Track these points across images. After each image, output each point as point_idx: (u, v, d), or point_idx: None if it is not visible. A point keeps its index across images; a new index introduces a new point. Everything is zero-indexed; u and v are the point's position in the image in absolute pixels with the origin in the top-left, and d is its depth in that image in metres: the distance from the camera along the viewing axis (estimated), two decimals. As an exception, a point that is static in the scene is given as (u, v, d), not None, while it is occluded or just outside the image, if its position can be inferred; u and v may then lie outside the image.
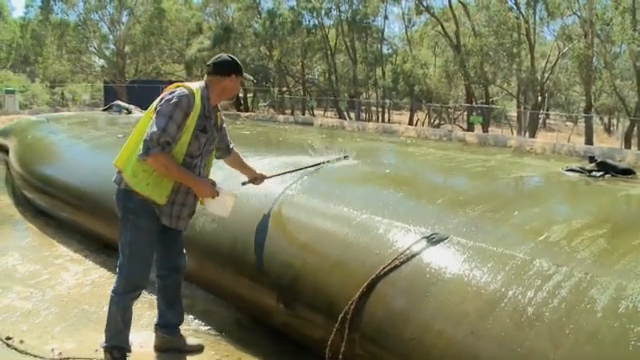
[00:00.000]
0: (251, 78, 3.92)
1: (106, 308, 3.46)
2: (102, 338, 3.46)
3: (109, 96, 31.12)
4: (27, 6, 45.60)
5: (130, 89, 33.52)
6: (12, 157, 9.87)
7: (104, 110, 15.92)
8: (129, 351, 3.47)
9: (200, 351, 3.71)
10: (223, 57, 3.47)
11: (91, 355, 3.56)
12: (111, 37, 37.59)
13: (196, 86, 3.37)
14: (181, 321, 3.75)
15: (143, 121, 3.38)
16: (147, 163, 3.22)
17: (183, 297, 3.83)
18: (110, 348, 3.40)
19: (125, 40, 37.44)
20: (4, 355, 3.62)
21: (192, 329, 4.04)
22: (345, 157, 5.04)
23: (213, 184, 3.43)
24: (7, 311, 4.28)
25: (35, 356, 3.57)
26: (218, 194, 3.39)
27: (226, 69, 3.40)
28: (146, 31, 35.94)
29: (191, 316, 4.18)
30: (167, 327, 3.67)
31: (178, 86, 3.36)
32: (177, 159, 3.27)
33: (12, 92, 31.19)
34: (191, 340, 3.76)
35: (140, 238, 3.36)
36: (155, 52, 38.24)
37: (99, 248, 5.78)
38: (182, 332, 3.76)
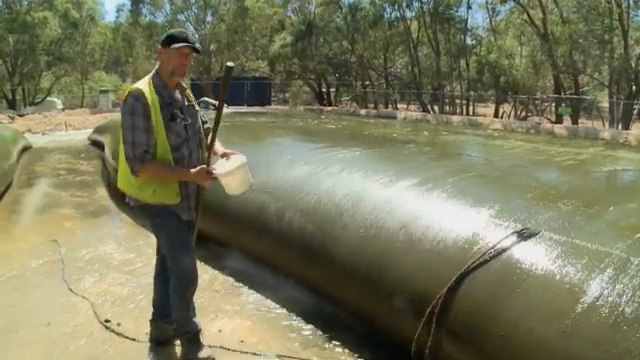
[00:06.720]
0: (190, 44, 3.24)
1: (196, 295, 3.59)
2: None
3: (196, 93, 31.82)
4: (118, 10, 47.85)
5: (216, 86, 34.42)
6: (107, 152, 10.39)
7: (192, 107, 16.42)
8: (200, 331, 3.51)
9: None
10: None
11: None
12: (197, 36, 38.66)
13: (145, 80, 3.29)
14: None
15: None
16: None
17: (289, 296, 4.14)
18: (183, 333, 3.47)
19: (210, 38, 38.42)
20: (103, 336, 3.83)
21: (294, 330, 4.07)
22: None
23: (208, 173, 3.25)
24: (105, 295, 4.55)
25: (133, 339, 3.76)
26: (215, 178, 3.25)
27: (160, 45, 3.29)
28: (230, 29, 36.70)
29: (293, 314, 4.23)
30: (169, 316, 3.61)
31: (128, 91, 3.25)
32: (166, 159, 3.21)
33: (106, 92, 32.79)
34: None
35: (175, 232, 3.35)
36: (239, 49, 38.95)
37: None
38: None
